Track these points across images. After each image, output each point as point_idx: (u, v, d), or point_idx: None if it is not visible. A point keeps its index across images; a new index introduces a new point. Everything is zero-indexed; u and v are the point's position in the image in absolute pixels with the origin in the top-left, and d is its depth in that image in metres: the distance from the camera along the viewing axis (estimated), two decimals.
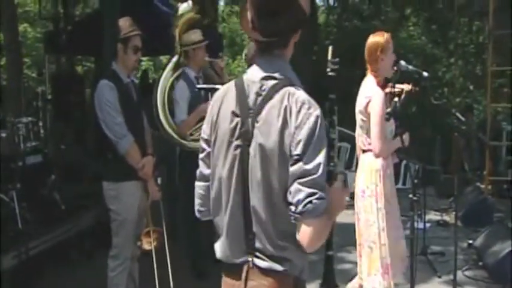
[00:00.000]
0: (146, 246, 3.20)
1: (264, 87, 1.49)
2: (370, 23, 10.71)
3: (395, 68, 3.09)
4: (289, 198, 1.41)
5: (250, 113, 1.48)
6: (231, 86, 1.57)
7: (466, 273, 4.18)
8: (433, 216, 5.83)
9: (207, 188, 1.61)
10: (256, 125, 1.47)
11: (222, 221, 1.55)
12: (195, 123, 3.71)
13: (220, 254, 1.57)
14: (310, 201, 1.37)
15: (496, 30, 7.07)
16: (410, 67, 3.16)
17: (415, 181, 2.90)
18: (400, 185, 6.55)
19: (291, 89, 1.46)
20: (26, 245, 3.86)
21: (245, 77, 1.55)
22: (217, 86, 3.80)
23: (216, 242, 1.59)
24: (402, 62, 3.12)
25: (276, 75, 1.50)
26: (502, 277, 3.93)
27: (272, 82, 1.49)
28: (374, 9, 13.49)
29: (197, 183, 1.66)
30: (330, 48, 1.81)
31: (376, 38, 3.03)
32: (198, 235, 4.05)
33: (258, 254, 1.49)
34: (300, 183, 1.39)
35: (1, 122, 4.67)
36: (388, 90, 3.13)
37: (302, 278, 1.54)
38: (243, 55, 5.71)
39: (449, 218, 5.70)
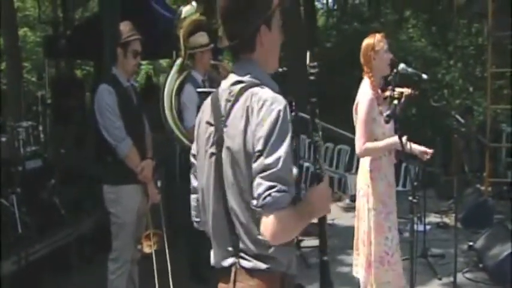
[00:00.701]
0: (146, 250, 3.21)
1: (232, 93, 1.52)
2: (370, 25, 10.71)
3: (394, 70, 3.12)
4: (253, 193, 1.42)
5: (222, 120, 1.52)
6: (208, 99, 1.62)
7: (467, 275, 4.18)
8: (433, 218, 5.83)
9: (198, 200, 1.68)
10: (225, 130, 1.50)
11: (209, 228, 1.60)
12: None
13: (212, 260, 1.62)
14: (269, 194, 1.37)
15: (495, 32, 7.08)
16: (409, 69, 3.19)
17: (415, 183, 2.91)
18: (400, 187, 6.54)
19: (255, 89, 1.48)
20: (26, 249, 3.85)
21: (220, 87, 1.60)
22: None
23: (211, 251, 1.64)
24: (402, 65, 3.16)
25: (244, 78, 1.52)
26: (502, 279, 3.93)
27: (239, 86, 1.52)
28: (373, 12, 13.52)
29: (191, 196, 1.72)
30: (308, 53, 1.81)
31: (368, 40, 3.13)
32: (198, 240, 4.04)
33: (242, 254, 1.50)
34: (260, 177, 1.39)
35: (1, 126, 4.67)
36: (387, 93, 3.16)
37: (290, 272, 1.54)
38: None
39: (449, 220, 5.70)
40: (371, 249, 3.02)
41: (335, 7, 15.67)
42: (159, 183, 3.29)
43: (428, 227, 5.16)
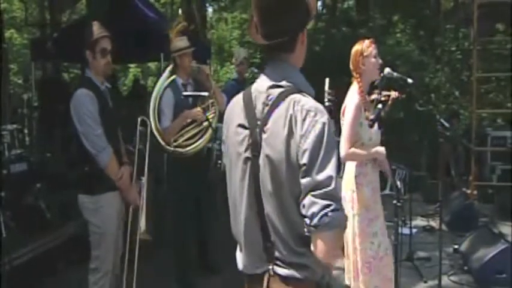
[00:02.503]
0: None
1: (270, 97, 1.47)
2: (358, 30, 10.77)
3: (381, 74, 3.15)
4: (303, 211, 1.38)
5: (258, 124, 1.47)
6: (239, 98, 1.56)
7: (452, 278, 4.21)
8: (419, 221, 5.87)
9: None
10: (263, 136, 1.45)
11: (239, 233, 1.55)
12: (178, 130, 3.76)
13: (240, 265, 1.58)
14: (326, 214, 1.34)
15: (481, 37, 7.16)
16: (395, 74, 3.23)
17: (399, 187, 2.93)
18: (387, 191, 6.57)
19: (297, 96, 1.43)
20: (10, 254, 3.81)
21: (253, 87, 1.54)
22: (203, 93, 3.84)
23: (238, 254, 1.60)
24: (387, 69, 3.19)
25: (283, 83, 1.47)
26: (486, 281, 3.97)
27: (278, 91, 1.46)
28: (362, 16, 13.60)
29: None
30: (327, 80, 1.83)
31: (357, 46, 3.16)
32: (187, 245, 4.03)
33: (277, 262, 1.48)
34: (313, 196, 1.36)
35: None
36: (374, 96, 3.18)
37: (324, 282, 1.53)
38: (233, 60, 5.73)
39: (435, 223, 5.73)
40: (357, 255, 3.02)
41: (324, 11, 15.74)
42: (143, 179, 3.20)
43: (414, 230, 5.19)
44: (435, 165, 7.46)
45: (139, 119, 3.33)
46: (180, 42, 3.88)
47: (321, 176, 1.35)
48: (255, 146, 1.46)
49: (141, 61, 13.86)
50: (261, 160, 1.45)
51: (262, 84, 1.51)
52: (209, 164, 4.37)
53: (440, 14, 11.93)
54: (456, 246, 4.67)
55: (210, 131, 3.83)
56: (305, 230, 1.39)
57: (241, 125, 1.51)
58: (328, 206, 1.34)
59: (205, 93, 3.80)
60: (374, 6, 14.31)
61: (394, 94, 3.37)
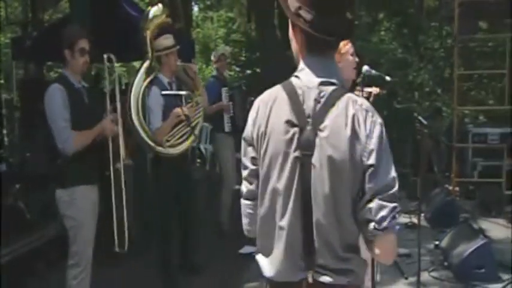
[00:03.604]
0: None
1: (322, 93, 1.40)
2: None
3: (362, 71, 3.17)
4: (369, 215, 1.35)
5: (309, 121, 1.39)
6: (278, 93, 1.46)
7: (432, 273, 4.26)
8: (402, 218, 5.89)
9: (255, 206, 1.51)
10: (321, 134, 1.37)
11: (274, 238, 1.44)
12: (170, 129, 3.72)
13: (270, 272, 1.46)
14: (394, 216, 1.35)
15: (462, 35, 7.24)
16: (373, 71, 3.24)
17: None
18: None
19: (352, 95, 1.41)
20: None
21: (295, 82, 1.45)
22: (181, 92, 3.83)
23: (262, 260, 1.49)
24: (365, 67, 3.21)
25: (334, 80, 1.43)
26: (465, 276, 4.01)
27: (331, 88, 1.41)
28: None
29: (245, 202, 1.57)
30: None
31: None
32: (171, 244, 4.01)
33: (318, 269, 1.40)
34: (381, 199, 1.35)
35: None
36: (356, 93, 3.20)
37: (364, 285, 1.53)
38: (211, 57, 5.73)
39: (417, 220, 5.78)
40: None
41: None
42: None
43: (397, 227, 5.22)
44: (418, 162, 7.53)
45: (105, 56, 3.20)
46: (166, 40, 3.87)
47: (387, 178, 1.36)
48: (307, 145, 1.37)
49: (126, 61, 13.72)
50: (317, 160, 1.37)
51: (310, 79, 1.42)
52: (192, 163, 4.36)
53: (423, 12, 12.02)
54: (437, 242, 4.71)
55: (197, 129, 3.81)
56: (369, 234, 1.37)
57: (289, 122, 1.40)
58: (395, 208, 1.36)
59: (184, 92, 3.80)
60: (360, 4, 14.39)
61: (375, 90, 3.39)
